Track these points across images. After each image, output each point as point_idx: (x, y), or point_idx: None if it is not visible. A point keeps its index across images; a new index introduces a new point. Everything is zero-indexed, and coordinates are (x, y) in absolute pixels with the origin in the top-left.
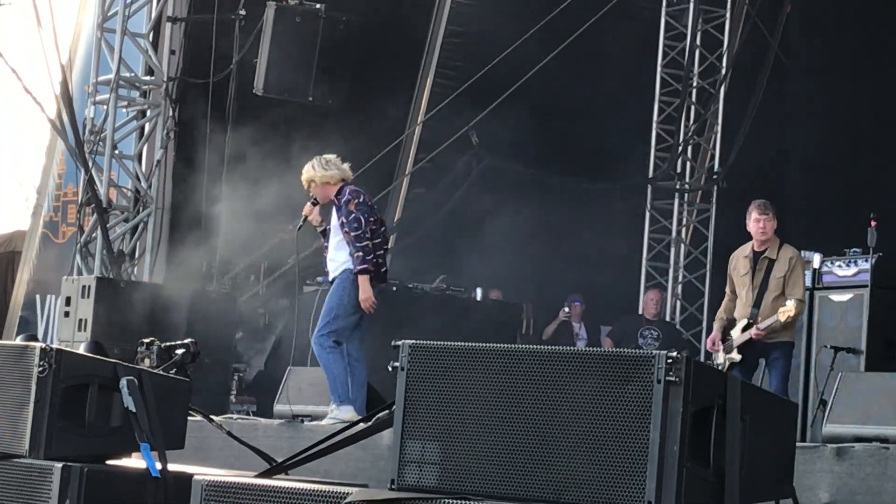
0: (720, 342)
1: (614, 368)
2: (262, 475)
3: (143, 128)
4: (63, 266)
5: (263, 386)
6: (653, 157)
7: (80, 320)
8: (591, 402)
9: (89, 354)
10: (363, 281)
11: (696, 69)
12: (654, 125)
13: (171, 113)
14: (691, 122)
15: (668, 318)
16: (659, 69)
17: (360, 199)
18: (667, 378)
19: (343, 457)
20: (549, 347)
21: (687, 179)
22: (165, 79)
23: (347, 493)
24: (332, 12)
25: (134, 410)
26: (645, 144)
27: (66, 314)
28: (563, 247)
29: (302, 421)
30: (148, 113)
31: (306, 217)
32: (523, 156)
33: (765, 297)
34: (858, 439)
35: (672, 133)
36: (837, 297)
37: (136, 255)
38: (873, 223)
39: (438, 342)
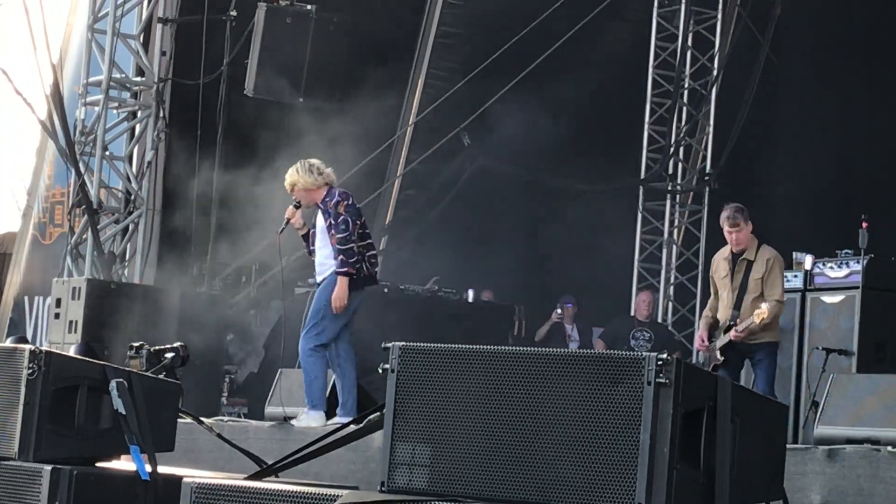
0: (707, 340)
1: (604, 370)
2: (252, 477)
3: (133, 129)
4: (50, 267)
5: (255, 388)
6: (644, 159)
7: (71, 322)
8: (581, 403)
9: (79, 356)
10: (342, 282)
11: (687, 70)
12: (646, 126)
13: (161, 114)
14: (683, 123)
15: (660, 320)
16: (650, 70)
17: (349, 202)
18: (657, 380)
19: (334, 459)
20: (539, 349)
21: (679, 181)
22: (156, 80)
23: (337, 496)
24: (322, 13)
25: (124, 413)
26: (637, 145)
27: (57, 316)
28: (554, 248)
29: (293, 423)
30: (139, 114)
31: (289, 220)
32: (515, 157)
33: (744, 299)
34: (850, 441)
35: (664, 134)
36: (829, 298)
37: (127, 257)
38: (865, 224)
39: (429, 344)
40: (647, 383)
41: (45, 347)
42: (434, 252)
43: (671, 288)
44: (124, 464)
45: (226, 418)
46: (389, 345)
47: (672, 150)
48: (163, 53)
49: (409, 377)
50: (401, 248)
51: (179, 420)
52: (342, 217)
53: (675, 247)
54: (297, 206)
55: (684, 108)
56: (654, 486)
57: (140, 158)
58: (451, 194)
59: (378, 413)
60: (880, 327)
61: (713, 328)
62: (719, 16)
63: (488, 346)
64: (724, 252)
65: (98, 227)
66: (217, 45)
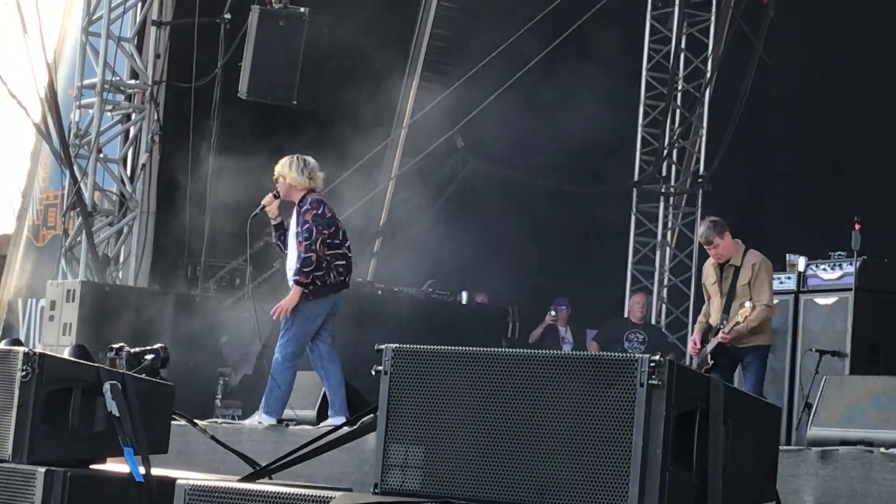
0: (700, 344)
1: (597, 372)
2: (245, 479)
3: (127, 131)
4: (44, 270)
5: (249, 390)
6: (638, 161)
7: (65, 324)
8: (574, 405)
9: (73, 359)
10: (294, 290)
11: (681, 73)
12: (640, 128)
13: (155, 117)
14: (676, 125)
15: (653, 322)
16: (644, 72)
17: (319, 211)
18: (650, 381)
19: (328, 461)
20: (532, 351)
21: (672, 183)
22: (150, 82)
23: (331, 497)
24: (316, 16)
25: (117, 415)
26: (630, 148)
27: (51, 318)
28: (548, 250)
29: (287, 425)
30: (133, 117)
31: (264, 206)
32: (508, 159)
33: (733, 305)
34: (843, 442)
35: (657, 136)
36: (822, 300)
37: (121, 259)
38: (858, 226)
39: (422, 346)
40: (640, 385)
41: (38, 350)
42: (428, 254)
43: (665, 290)
44: (118, 466)
45: (220, 420)
46: (382, 347)
47: (665, 152)
48: (157, 56)
49: (402, 379)
50: (394, 251)
51: (173, 422)
52: (307, 225)
53: (668, 249)
54: (276, 197)
55: (678, 111)
56: (646, 488)
57: (134, 161)
58: (445, 196)
59: (371, 415)
60: (873, 329)
61: (707, 333)
62: (713, 18)
63: (482, 348)
64: (713, 259)
65: (92, 229)
66: (211, 47)
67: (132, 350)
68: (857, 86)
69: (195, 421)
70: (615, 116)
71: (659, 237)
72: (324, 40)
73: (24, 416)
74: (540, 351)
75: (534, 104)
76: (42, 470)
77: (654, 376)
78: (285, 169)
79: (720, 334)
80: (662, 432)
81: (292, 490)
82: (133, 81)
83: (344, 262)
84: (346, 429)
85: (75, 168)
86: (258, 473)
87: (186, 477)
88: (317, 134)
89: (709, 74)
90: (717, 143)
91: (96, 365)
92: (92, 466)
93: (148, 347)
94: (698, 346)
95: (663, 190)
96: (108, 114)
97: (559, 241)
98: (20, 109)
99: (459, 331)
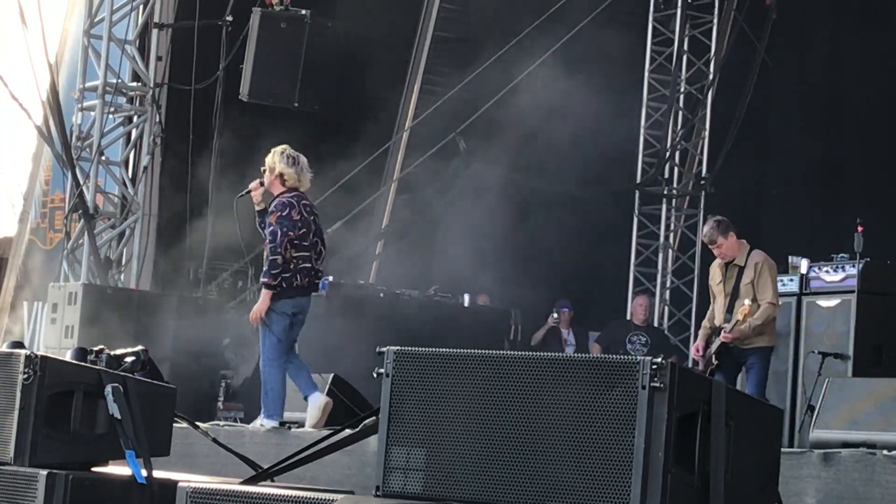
0: (703, 350)
1: (599, 374)
2: (247, 482)
3: (129, 134)
4: (49, 272)
5: (251, 393)
6: (640, 163)
7: (67, 327)
8: (576, 408)
9: (75, 361)
10: (263, 294)
11: (683, 74)
12: (642, 130)
13: (157, 119)
14: (679, 127)
15: (656, 324)
16: (646, 74)
17: (284, 213)
18: (651, 384)
19: (329, 463)
20: (534, 353)
21: (674, 185)
22: (152, 85)
23: (333, 500)
24: (317, 18)
25: (119, 417)
26: (632, 150)
27: (53, 321)
28: (551, 252)
29: (289, 427)
30: (135, 119)
31: (250, 190)
32: (510, 161)
33: (736, 304)
34: (845, 445)
35: (660, 138)
36: (825, 302)
37: (123, 262)
38: (860, 228)
39: (423, 348)
40: (642, 387)
41: (40, 352)
42: (429, 256)
43: (667, 292)
44: (120, 468)
45: (222, 423)
46: (384, 349)
47: (668, 154)
48: (158, 58)
49: (404, 382)
50: (397, 253)
51: (175, 425)
52: (272, 228)
53: (671, 251)
54: (262, 185)
55: (680, 113)
56: (648, 491)
57: (136, 163)
58: (447, 199)
59: (373, 417)
60: (876, 331)
61: (709, 339)
62: (715, 20)
63: (483, 351)
64: (719, 259)
65: (94, 231)
66: (213, 50)
67: (112, 352)
68: (860, 87)
69: (197, 423)
70: (617, 118)
71: (661, 239)
72: (325, 42)
73: (25, 419)
74: (542, 353)
75: (536, 106)
76: (44, 472)
77: (656, 379)
78: (274, 163)
79: (722, 334)
80: (664, 434)
81: (294, 493)
82: (135, 84)
83: (309, 267)
84: (347, 431)
85: (77, 171)
86: (260, 476)
87: (188, 479)
88: (318, 136)
89: (711, 76)
90: (719, 145)
91: (98, 367)
92: (94, 469)
93: (128, 350)
94: (701, 352)
95: (665, 192)
96: (110, 116)
97: (561, 243)
98: (22, 112)
99: (461, 333)
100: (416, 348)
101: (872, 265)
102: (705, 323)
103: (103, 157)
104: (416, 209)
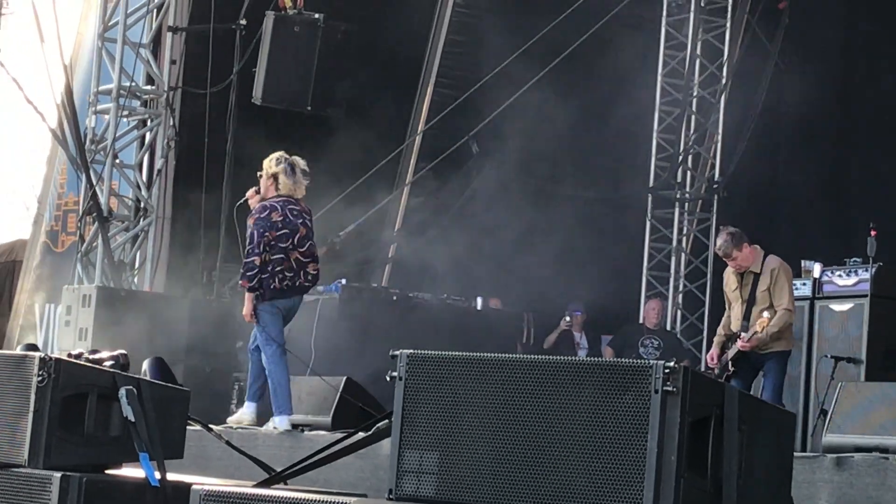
0: (718, 358)
1: (612, 378)
2: (260, 485)
3: (143, 137)
4: (63, 275)
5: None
6: (653, 167)
7: (81, 329)
8: (588, 411)
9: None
10: (246, 296)
11: (696, 79)
12: (655, 134)
13: (171, 122)
14: (692, 131)
15: (668, 328)
16: (659, 78)
17: (262, 215)
18: (664, 388)
19: (343, 466)
20: (547, 357)
21: (687, 189)
22: (166, 88)
23: (346, 503)
24: (331, 21)
25: (133, 420)
26: (645, 154)
27: (67, 323)
28: (563, 256)
29: (302, 430)
30: (149, 122)
31: (247, 199)
32: (523, 165)
33: (753, 311)
34: (858, 449)
35: (672, 142)
36: (837, 306)
37: (137, 265)
38: (873, 232)
39: (436, 352)
40: (655, 391)
41: (54, 355)
42: (442, 260)
43: (680, 296)
44: (134, 471)
45: (235, 426)
46: (397, 352)
47: (681, 158)
48: (173, 62)
49: (417, 385)
50: (409, 256)
51: (188, 427)
52: (249, 230)
53: (683, 255)
54: (258, 192)
55: (693, 117)
56: (661, 495)
57: (150, 166)
58: (460, 202)
59: (386, 421)
60: (889, 335)
61: (724, 347)
62: (728, 24)
63: (496, 354)
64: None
65: (108, 234)
66: (227, 53)
67: (91, 356)
68: (873, 90)
69: (210, 426)
70: (630, 122)
71: (674, 243)
72: (338, 46)
73: (39, 422)
74: (555, 357)
75: (548, 110)
76: (58, 475)
77: (668, 383)
78: (272, 167)
79: (739, 343)
80: (677, 439)
81: (307, 496)
82: (149, 87)
83: (282, 269)
84: (360, 434)
85: (91, 173)
86: (273, 479)
87: (201, 482)
88: (331, 139)
89: (724, 80)
90: (732, 149)
91: (111, 370)
92: (107, 471)
93: (107, 354)
94: (716, 360)
95: (678, 196)
96: (124, 119)
97: (574, 246)
98: (37, 115)
99: (474, 336)
100: (429, 352)
101: (885, 269)
102: (720, 331)
103: (117, 161)
104: (428, 212)
